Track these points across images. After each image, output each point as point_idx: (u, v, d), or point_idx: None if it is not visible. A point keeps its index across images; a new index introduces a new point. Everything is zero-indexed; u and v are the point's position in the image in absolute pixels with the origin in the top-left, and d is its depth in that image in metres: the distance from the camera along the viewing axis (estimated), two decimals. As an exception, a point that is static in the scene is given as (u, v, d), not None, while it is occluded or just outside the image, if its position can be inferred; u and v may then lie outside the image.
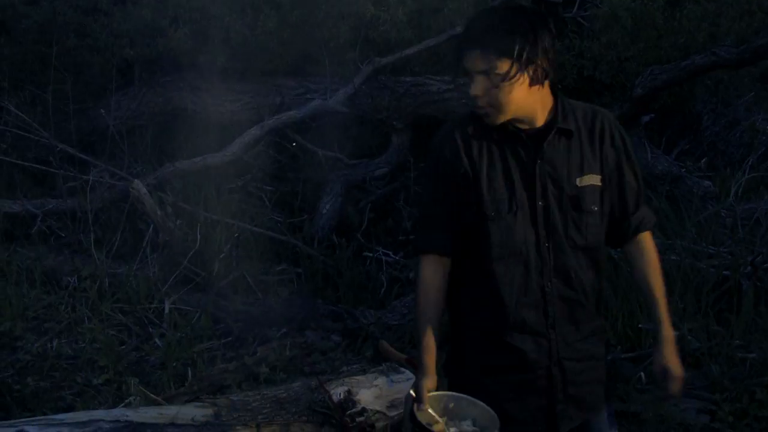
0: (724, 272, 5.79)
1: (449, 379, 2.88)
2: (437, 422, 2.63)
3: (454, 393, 2.73)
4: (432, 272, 2.76)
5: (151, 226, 6.33)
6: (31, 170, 7.22)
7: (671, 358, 2.75)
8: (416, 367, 4.80)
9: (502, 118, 2.66)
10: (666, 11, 7.78)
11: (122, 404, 4.68)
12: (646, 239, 2.84)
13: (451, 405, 2.70)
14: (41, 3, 7.83)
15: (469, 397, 2.70)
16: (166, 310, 5.80)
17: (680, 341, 5.05)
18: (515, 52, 2.57)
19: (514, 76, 2.59)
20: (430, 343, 2.73)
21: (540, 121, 2.71)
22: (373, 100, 7.60)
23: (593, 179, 2.72)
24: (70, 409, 4.67)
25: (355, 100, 7.52)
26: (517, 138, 2.71)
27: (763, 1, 8.12)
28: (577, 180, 2.70)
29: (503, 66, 2.59)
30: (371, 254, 6.64)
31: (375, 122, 7.78)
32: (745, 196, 6.87)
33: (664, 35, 7.67)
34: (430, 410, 2.64)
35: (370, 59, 7.53)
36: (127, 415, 3.97)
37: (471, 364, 2.84)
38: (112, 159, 7.29)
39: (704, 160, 7.61)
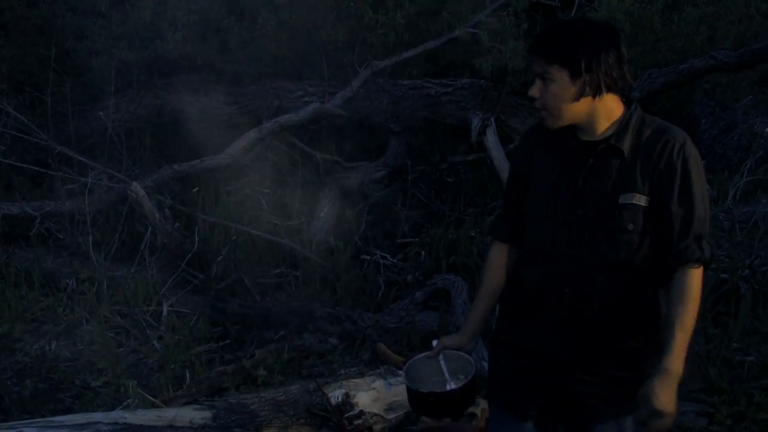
0: (722, 275, 5.80)
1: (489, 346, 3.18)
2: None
3: (456, 351, 3.09)
4: (494, 254, 3.08)
5: (150, 228, 6.33)
6: (29, 172, 7.22)
7: (659, 390, 2.61)
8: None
9: (557, 123, 2.78)
10: (664, 15, 7.80)
11: (120, 407, 4.68)
12: (688, 273, 2.70)
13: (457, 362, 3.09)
14: (40, 5, 7.85)
15: (462, 354, 3.08)
16: (164, 313, 5.80)
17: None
18: (569, 61, 2.69)
19: (566, 84, 2.71)
20: (473, 310, 3.11)
21: (600, 132, 2.78)
22: (371, 103, 7.61)
23: (637, 198, 2.71)
24: (68, 411, 4.67)
25: (353, 103, 7.53)
26: (569, 146, 2.80)
27: (761, 5, 8.15)
28: (620, 197, 2.72)
29: (556, 72, 2.71)
30: (369, 257, 6.64)
31: (373, 125, 7.80)
32: (743, 200, 6.87)
33: (662, 39, 7.69)
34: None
35: (368, 62, 7.54)
36: (125, 418, 3.97)
37: (494, 339, 3.08)
38: (111, 161, 7.28)
39: (702, 163, 7.60)
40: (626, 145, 2.74)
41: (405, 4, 7.64)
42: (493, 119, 7.06)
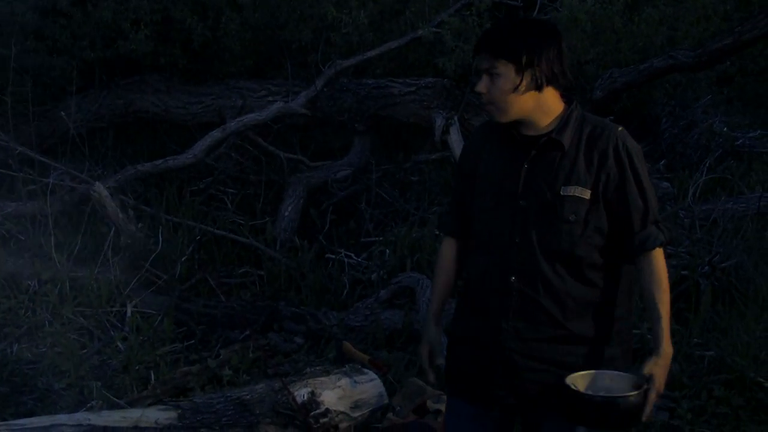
0: (683, 272, 5.88)
1: None
2: None
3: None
4: (444, 249, 3.19)
5: (113, 229, 6.29)
6: (-11, 173, 7.14)
7: (659, 374, 2.76)
8: (379, 368, 4.85)
9: (504, 117, 2.87)
10: (625, 15, 7.87)
11: (84, 408, 4.65)
12: (654, 257, 2.84)
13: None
14: (-1, 4, 7.76)
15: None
16: (128, 314, 5.76)
17: (640, 340, 5.14)
18: (514, 56, 2.79)
19: (511, 78, 2.81)
20: (430, 308, 3.24)
21: (542, 127, 2.87)
22: (335, 102, 7.61)
23: (579, 191, 2.80)
24: (31, 413, 4.62)
25: (317, 103, 7.54)
26: (513, 140, 2.89)
27: (719, 7, 8.27)
28: (561, 189, 2.80)
29: (502, 67, 2.81)
30: (334, 256, 6.65)
31: (337, 124, 7.80)
32: (703, 197, 6.97)
33: (623, 38, 7.77)
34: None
35: (331, 62, 7.55)
36: (89, 419, 3.95)
37: (452, 330, 3.15)
38: (73, 161, 7.22)
39: (663, 161, 7.71)
40: (567, 139, 2.83)
41: (368, 4, 7.66)
42: (456, 118, 7.09)
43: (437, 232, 6.28)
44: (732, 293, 5.74)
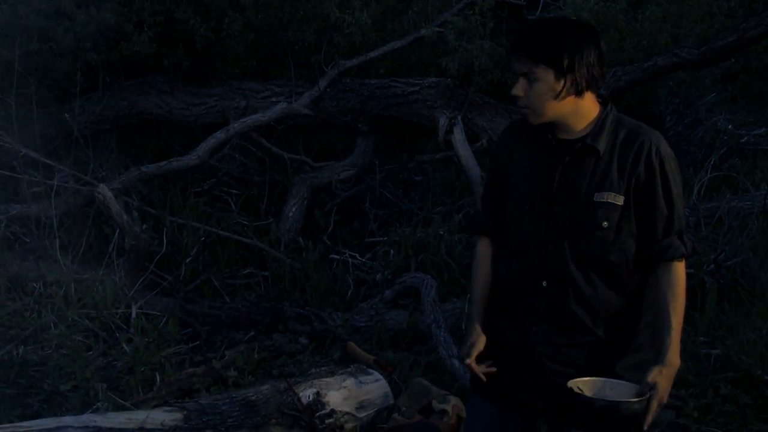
0: (688, 270, 5.83)
1: None
2: None
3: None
4: (481, 248, 3.09)
5: (117, 230, 6.29)
6: (-6, 175, 7.14)
7: (663, 382, 2.73)
8: (384, 368, 4.84)
9: (538, 120, 2.81)
10: (628, 13, 7.86)
11: (90, 410, 4.65)
12: (674, 268, 2.81)
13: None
14: (2, 6, 7.75)
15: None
16: (133, 315, 5.77)
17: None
18: (554, 61, 2.73)
19: (551, 83, 2.74)
20: (475, 312, 3.04)
21: (577, 131, 2.82)
22: (338, 102, 7.61)
23: (613, 197, 2.77)
24: (37, 416, 4.62)
25: (320, 103, 7.53)
26: (547, 144, 2.84)
27: (723, 4, 8.24)
28: (595, 195, 2.77)
29: (540, 71, 2.74)
30: (338, 257, 6.65)
31: (340, 125, 7.80)
32: (708, 195, 6.95)
33: (626, 37, 7.75)
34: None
35: (335, 62, 7.54)
36: (95, 421, 3.95)
37: (485, 331, 3.03)
38: (77, 163, 7.23)
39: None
40: (602, 145, 2.79)
41: (371, 4, 7.64)
42: (460, 118, 7.08)
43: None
44: (738, 291, 5.72)
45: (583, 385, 2.75)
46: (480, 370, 2.91)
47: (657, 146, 2.79)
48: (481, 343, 2.93)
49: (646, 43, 7.75)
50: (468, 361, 2.91)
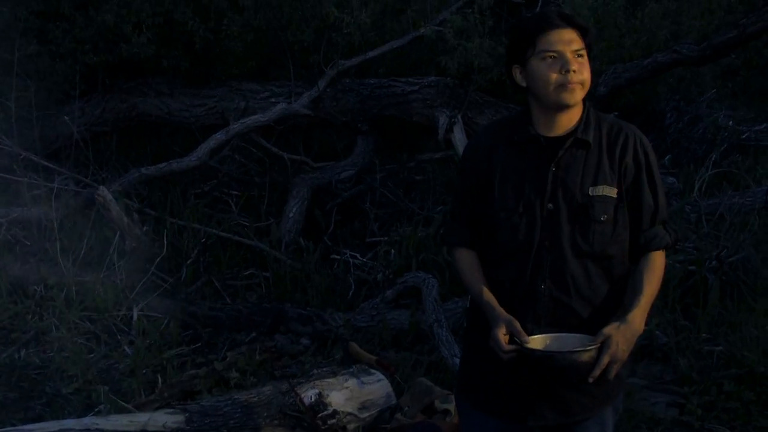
0: (690, 267, 5.86)
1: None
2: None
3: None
4: (464, 255, 2.96)
5: (118, 233, 6.29)
6: (-6, 178, 7.14)
7: (619, 338, 2.64)
8: (386, 368, 4.83)
9: (581, 98, 2.79)
10: (628, 10, 7.86)
11: (92, 413, 4.65)
12: (656, 256, 2.83)
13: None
14: (1, 9, 7.75)
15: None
16: (135, 317, 5.76)
17: (648, 336, 5.13)
18: (589, 41, 2.80)
19: (588, 61, 2.79)
20: (489, 297, 2.83)
21: (568, 126, 2.82)
22: (337, 102, 7.61)
23: (607, 190, 2.77)
24: (39, 419, 4.62)
25: (319, 103, 7.53)
26: (536, 143, 2.82)
27: (722, 0, 8.24)
28: (590, 189, 2.77)
29: (586, 50, 2.78)
30: (339, 257, 6.64)
31: (340, 125, 7.80)
32: (709, 192, 6.95)
33: (626, 34, 7.75)
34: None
35: (334, 62, 7.54)
36: (97, 424, 3.95)
37: (471, 340, 3.02)
38: (77, 166, 7.24)
39: (668, 156, 7.69)
40: (591, 138, 2.80)
41: (370, 4, 7.65)
42: (459, 117, 7.08)
43: (440, 242, 6.25)
44: (740, 287, 5.72)
45: (540, 340, 2.72)
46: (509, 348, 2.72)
47: (640, 138, 2.84)
48: (515, 322, 2.73)
49: (645, 40, 7.75)
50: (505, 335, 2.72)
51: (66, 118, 7.33)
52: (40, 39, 7.62)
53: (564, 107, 2.78)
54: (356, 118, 7.64)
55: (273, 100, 7.67)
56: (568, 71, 2.72)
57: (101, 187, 6.29)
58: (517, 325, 2.72)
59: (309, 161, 7.55)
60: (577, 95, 2.76)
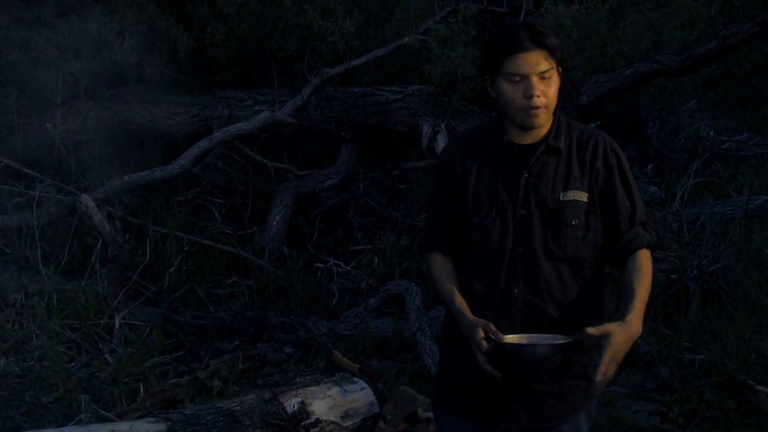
0: (672, 276, 5.89)
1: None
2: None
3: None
4: (438, 260, 2.97)
5: (100, 240, 6.26)
6: (-26, 186, 7.10)
7: (619, 338, 2.63)
8: (369, 376, 4.83)
9: (546, 123, 2.82)
10: (610, 20, 7.90)
11: (73, 422, 4.63)
12: (641, 255, 2.83)
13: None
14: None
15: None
16: (117, 326, 5.74)
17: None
18: (561, 60, 2.80)
19: (557, 81, 2.80)
20: (461, 303, 2.84)
21: (540, 134, 2.86)
22: (321, 110, 7.61)
23: (578, 195, 2.81)
24: (18, 428, 4.60)
25: (303, 111, 7.53)
26: (509, 150, 2.86)
27: (703, 11, 8.30)
28: (561, 195, 2.80)
29: (553, 71, 2.78)
30: (322, 265, 6.64)
31: (324, 133, 7.80)
32: (690, 201, 6.99)
33: (608, 44, 7.79)
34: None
35: (318, 70, 7.54)
36: (78, 433, 3.93)
37: (446, 342, 3.08)
38: (59, 174, 7.19)
39: (650, 166, 7.73)
40: (562, 145, 2.84)
41: (354, 12, 7.66)
42: (443, 125, 7.10)
43: (416, 250, 6.24)
44: (721, 296, 5.75)
45: (510, 339, 2.72)
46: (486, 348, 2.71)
47: (610, 144, 2.89)
48: (490, 324, 2.72)
49: (627, 50, 7.79)
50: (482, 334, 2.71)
51: (48, 125, 7.29)
52: (21, 46, 7.59)
53: (528, 129, 2.83)
54: (340, 126, 7.64)
55: (257, 108, 7.66)
56: (531, 96, 2.75)
57: (83, 194, 6.26)
58: (492, 326, 2.72)
59: (293, 169, 7.54)
60: (541, 119, 2.81)
